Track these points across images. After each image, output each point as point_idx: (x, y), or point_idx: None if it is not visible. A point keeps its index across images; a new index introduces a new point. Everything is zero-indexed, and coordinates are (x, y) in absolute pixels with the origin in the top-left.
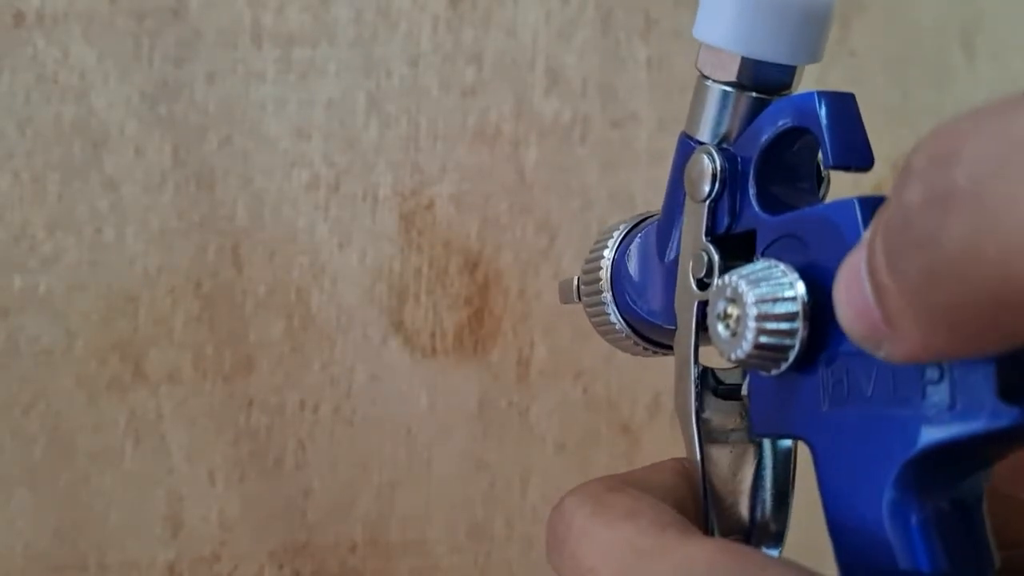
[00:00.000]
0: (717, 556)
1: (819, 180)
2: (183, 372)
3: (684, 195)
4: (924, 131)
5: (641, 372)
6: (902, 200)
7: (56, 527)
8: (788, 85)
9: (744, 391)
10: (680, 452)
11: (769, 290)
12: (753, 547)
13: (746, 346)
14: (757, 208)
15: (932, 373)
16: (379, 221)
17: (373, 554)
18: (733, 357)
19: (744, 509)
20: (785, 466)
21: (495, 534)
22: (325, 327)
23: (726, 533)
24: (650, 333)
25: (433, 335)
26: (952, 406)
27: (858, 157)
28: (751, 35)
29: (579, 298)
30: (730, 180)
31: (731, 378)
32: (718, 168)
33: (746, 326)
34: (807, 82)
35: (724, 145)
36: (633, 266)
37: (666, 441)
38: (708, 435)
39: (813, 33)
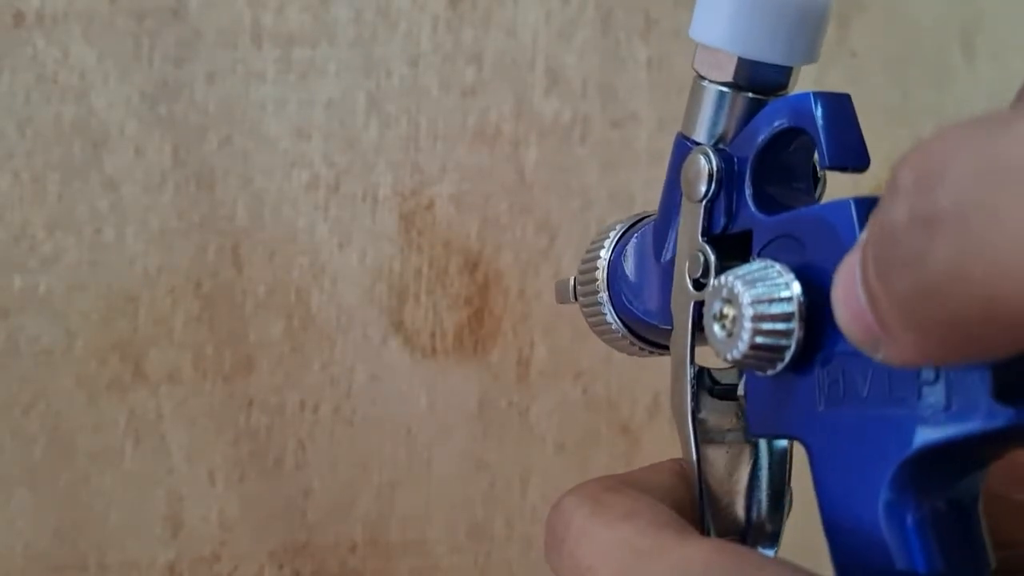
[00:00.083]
0: (713, 556)
1: (815, 180)
2: (183, 372)
3: (680, 195)
4: (924, 131)
5: (641, 372)
6: (889, 216)
7: (56, 527)
8: (784, 85)
9: (740, 391)
10: (679, 453)
11: (765, 290)
12: (749, 547)
13: (742, 346)
14: (753, 208)
15: (928, 374)
16: (379, 221)
17: (373, 554)
18: (729, 357)
19: (740, 509)
20: (781, 466)
21: (495, 534)
22: (325, 327)
23: (722, 533)
24: (646, 333)
25: (433, 335)
26: (948, 407)
27: (854, 157)
28: (747, 35)
29: (575, 298)
30: (726, 180)
31: (727, 378)
32: (714, 168)
33: (742, 326)
34: (807, 81)
35: (720, 145)
36: (629, 266)
37: (666, 441)
38: (704, 435)
39: (809, 33)
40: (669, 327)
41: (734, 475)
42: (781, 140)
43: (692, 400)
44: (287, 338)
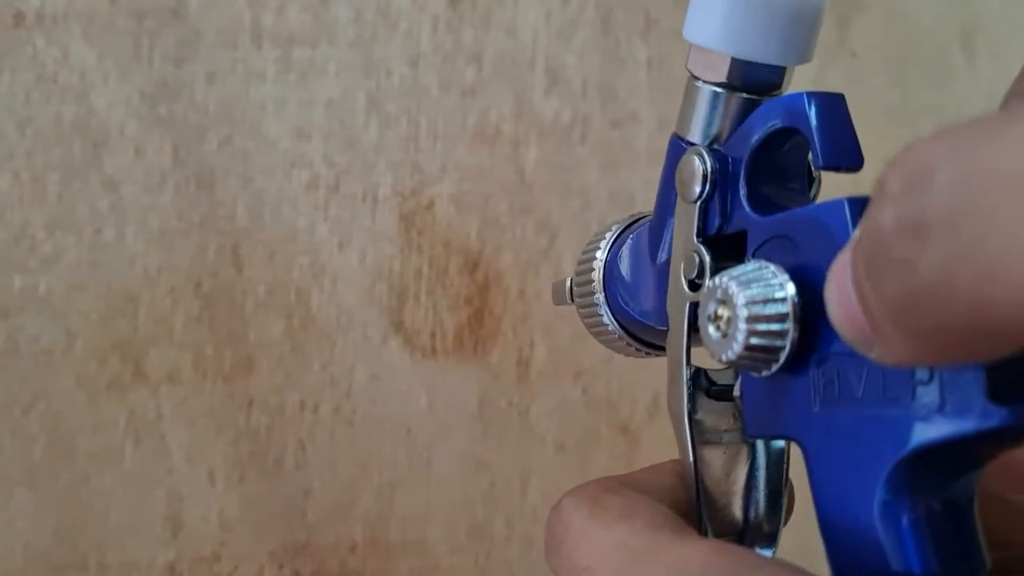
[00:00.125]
0: (711, 557)
1: (810, 180)
2: (183, 372)
3: (675, 196)
4: (924, 131)
5: (641, 373)
6: (878, 221)
7: (56, 527)
8: (778, 85)
9: (736, 392)
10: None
11: (760, 291)
12: (747, 548)
13: (737, 347)
14: (748, 209)
15: (922, 374)
16: (379, 221)
17: (373, 554)
18: (724, 358)
19: (737, 510)
20: (778, 467)
21: (495, 534)
22: (325, 327)
23: (719, 534)
24: (643, 334)
25: (433, 335)
26: (942, 407)
27: (848, 157)
28: (741, 36)
29: (572, 299)
30: (721, 181)
31: (724, 379)
32: (709, 169)
33: (737, 327)
34: (807, 82)
35: (715, 146)
36: (625, 267)
37: (666, 442)
38: (701, 436)
39: (803, 33)
40: (665, 328)
41: (731, 476)
42: (775, 140)
43: (688, 401)
44: (287, 338)
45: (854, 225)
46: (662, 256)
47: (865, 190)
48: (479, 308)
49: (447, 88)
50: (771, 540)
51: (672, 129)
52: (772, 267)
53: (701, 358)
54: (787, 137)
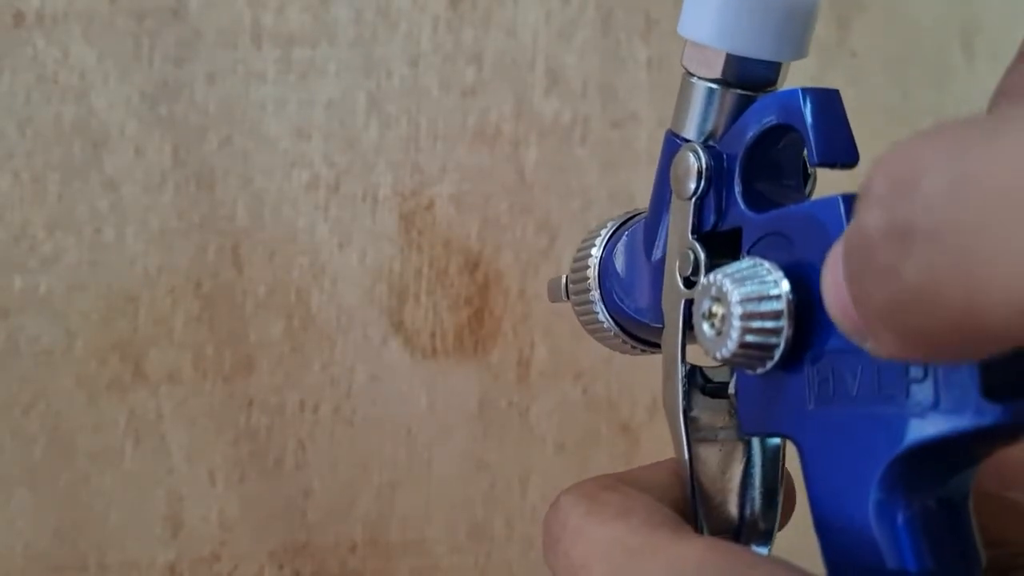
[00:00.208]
0: (707, 555)
1: (805, 177)
2: (183, 372)
3: (670, 193)
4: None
5: (641, 373)
6: (864, 224)
7: (56, 527)
8: (773, 82)
9: (731, 389)
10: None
11: (754, 289)
12: (743, 546)
13: (731, 345)
14: (743, 206)
15: (916, 372)
16: (379, 221)
17: (373, 554)
18: (718, 356)
19: (733, 507)
20: (774, 464)
21: (495, 534)
22: (325, 327)
23: (715, 531)
24: (638, 331)
25: (433, 335)
26: (936, 404)
27: (843, 154)
28: (736, 32)
29: (567, 297)
30: (716, 177)
31: (719, 376)
32: (704, 166)
33: (731, 325)
34: (808, 81)
35: (710, 142)
36: (620, 264)
37: (666, 442)
38: (697, 433)
39: (798, 29)
40: (660, 325)
41: (727, 473)
42: (770, 137)
43: (684, 398)
44: (287, 338)
45: (848, 222)
46: (657, 253)
47: None
48: (479, 308)
49: (447, 88)
50: (767, 538)
51: None
52: (767, 264)
53: (696, 355)
54: (782, 133)
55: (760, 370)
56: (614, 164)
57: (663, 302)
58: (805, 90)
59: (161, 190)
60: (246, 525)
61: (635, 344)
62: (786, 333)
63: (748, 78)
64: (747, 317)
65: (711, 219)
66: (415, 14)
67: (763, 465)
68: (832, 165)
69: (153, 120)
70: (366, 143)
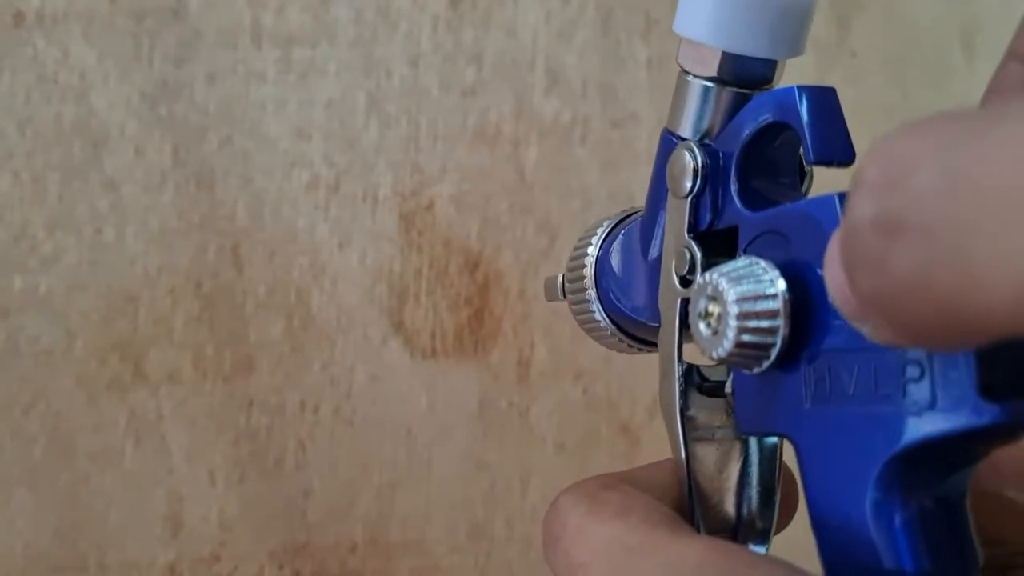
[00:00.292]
0: (706, 554)
1: (801, 175)
2: (183, 372)
3: (666, 191)
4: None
5: (641, 373)
6: (854, 214)
7: (56, 527)
8: (769, 80)
9: (728, 388)
10: None
11: (750, 288)
12: (741, 545)
13: (727, 344)
14: (739, 204)
15: (913, 371)
16: (379, 221)
17: (373, 554)
18: (715, 355)
19: (730, 506)
20: (771, 463)
21: (495, 534)
22: (325, 327)
23: (712, 530)
24: (635, 330)
25: (433, 335)
26: (933, 404)
27: (839, 152)
28: (731, 30)
29: (564, 295)
30: (712, 176)
31: (716, 375)
32: (699, 164)
33: (727, 324)
34: (808, 82)
35: (706, 141)
36: (617, 263)
37: (666, 442)
38: (694, 432)
39: (793, 27)
40: (657, 324)
41: (724, 472)
42: (766, 135)
43: (680, 397)
44: (287, 338)
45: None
46: (653, 252)
47: None
48: (479, 308)
49: (447, 88)
50: (764, 537)
51: None
52: (763, 263)
53: (694, 354)
54: (778, 131)
55: (757, 369)
56: (614, 164)
57: (659, 301)
58: (801, 88)
59: (161, 190)
60: (246, 525)
61: (632, 343)
62: (782, 332)
63: (744, 76)
64: (743, 316)
65: (707, 218)
66: (415, 14)
67: (760, 464)
68: (828, 163)
69: (153, 120)
70: (366, 143)
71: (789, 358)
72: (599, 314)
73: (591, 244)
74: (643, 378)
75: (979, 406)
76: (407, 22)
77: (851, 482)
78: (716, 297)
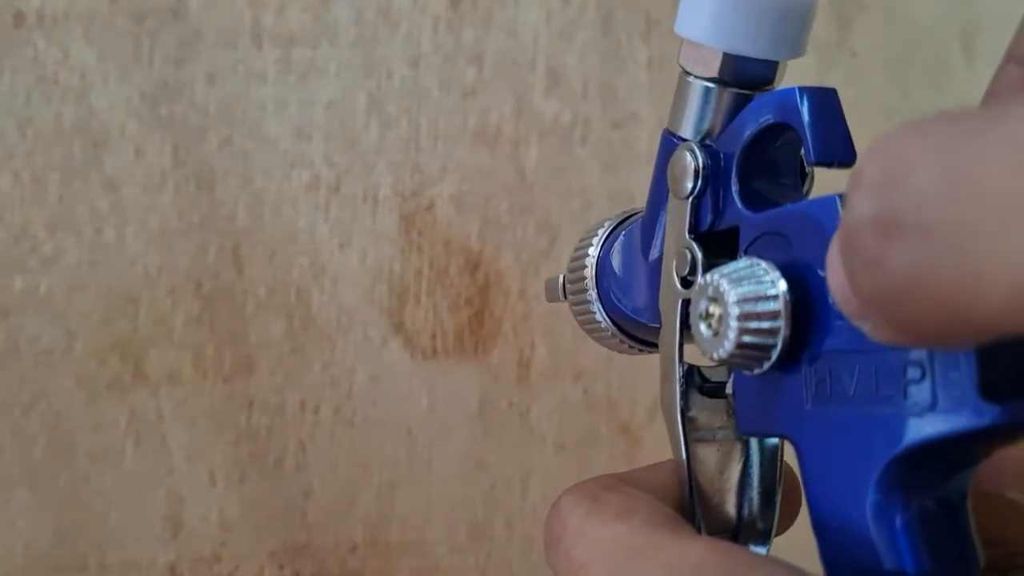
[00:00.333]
0: (707, 555)
1: (802, 176)
2: (183, 372)
3: (667, 192)
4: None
5: (641, 373)
6: (853, 213)
7: (56, 527)
8: (770, 80)
9: (729, 389)
10: None
11: (751, 289)
12: (742, 546)
13: (728, 345)
14: (740, 205)
15: (914, 372)
16: (379, 222)
17: (373, 554)
18: (715, 356)
19: (731, 507)
20: (772, 464)
21: (495, 535)
22: (325, 328)
23: (713, 531)
24: (636, 331)
25: (434, 336)
26: (934, 405)
27: (840, 152)
28: (732, 31)
29: (565, 296)
30: (713, 177)
31: (717, 376)
32: (700, 165)
33: (728, 325)
34: (809, 82)
35: (707, 141)
36: (618, 264)
37: (666, 442)
38: (694, 433)
39: (794, 28)
40: (658, 325)
41: (725, 473)
42: (767, 136)
43: (681, 398)
44: (287, 339)
45: None
46: (654, 253)
47: None
48: (479, 309)
49: (448, 88)
50: (765, 538)
51: None
52: (764, 264)
53: (694, 355)
54: (779, 132)
55: (757, 370)
56: (614, 164)
57: (660, 302)
58: (802, 89)
59: (161, 190)
60: (246, 525)
61: (633, 344)
62: (783, 333)
63: (745, 77)
64: (744, 317)
65: (708, 218)
66: (416, 14)
67: (761, 465)
68: (829, 164)
69: (153, 120)
70: (366, 143)
71: (790, 359)
72: (600, 315)
73: (592, 245)
74: (643, 378)
75: (980, 407)
76: (408, 22)
77: (852, 483)
78: (717, 298)
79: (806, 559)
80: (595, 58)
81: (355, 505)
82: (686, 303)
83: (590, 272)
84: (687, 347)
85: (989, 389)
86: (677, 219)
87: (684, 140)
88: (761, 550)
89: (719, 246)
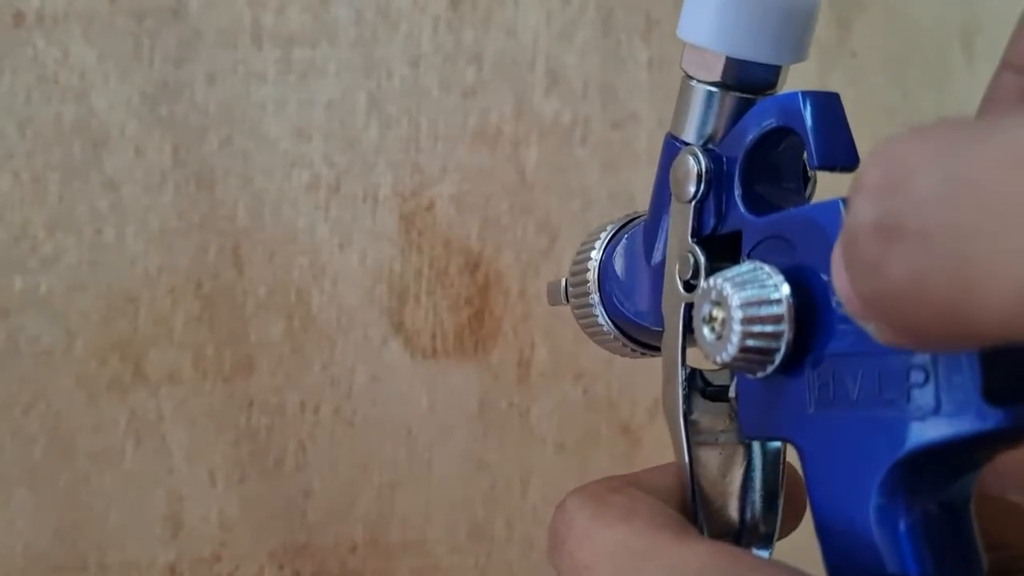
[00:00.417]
0: (710, 558)
1: (805, 180)
2: (183, 372)
3: (670, 196)
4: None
5: (642, 373)
6: (854, 218)
7: (56, 527)
8: (773, 85)
9: (732, 393)
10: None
11: (755, 293)
12: (745, 549)
13: (731, 349)
14: (743, 209)
15: (917, 376)
16: (379, 222)
17: (373, 554)
18: (719, 360)
19: (734, 511)
20: (774, 467)
21: (495, 535)
22: (325, 328)
23: (716, 535)
24: (638, 335)
25: (434, 336)
26: (938, 409)
27: (843, 157)
28: (735, 35)
29: (567, 300)
30: (715, 181)
31: (719, 379)
32: (703, 169)
33: (731, 329)
34: (809, 82)
35: (709, 145)
36: (620, 267)
37: (667, 442)
38: (697, 437)
39: (797, 32)
40: (660, 328)
41: (727, 476)
42: (770, 140)
43: (684, 402)
44: (287, 339)
45: None
46: (657, 256)
47: None
48: (479, 309)
49: (448, 88)
50: (767, 541)
51: None
52: (767, 268)
53: (697, 358)
54: (782, 136)
55: (760, 374)
56: (614, 164)
57: (663, 306)
58: (805, 93)
59: (161, 190)
60: (246, 525)
61: (635, 347)
62: (787, 337)
63: (748, 81)
64: (748, 321)
65: (711, 222)
66: (415, 14)
67: (764, 468)
68: (832, 168)
69: (153, 120)
70: (366, 143)
71: (793, 363)
72: (602, 318)
73: (594, 248)
74: (643, 378)
75: (983, 411)
76: (407, 22)
77: (855, 487)
78: (720, 302)
79: (809, 562)
80: (595, 58)
81: (355, 505)
82: (689, 307)
83: (592, 276)
84: (689, 350)
85: (993, 393)
86: (680, 223)
87: (687, 144)
88: (764, 553)
89: (722, 250)
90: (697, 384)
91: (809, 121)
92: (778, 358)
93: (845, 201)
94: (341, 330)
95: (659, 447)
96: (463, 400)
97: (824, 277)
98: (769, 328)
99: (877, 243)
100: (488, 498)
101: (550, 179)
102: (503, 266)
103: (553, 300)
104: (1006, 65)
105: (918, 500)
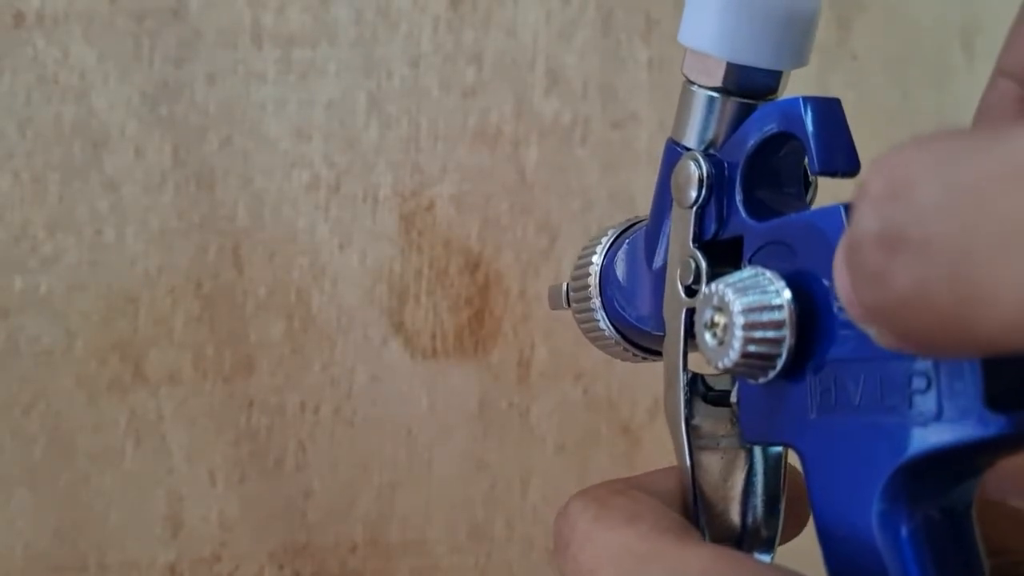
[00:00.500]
0: (712, 562)
1: (806, 185)
2: (183, 372)
3: (671, 201)
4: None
5: (641, 374)
6: (858, 227)
7: (56, 527)
8: (774, 90)
9: (733, 398)
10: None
11: (756, 299)
12: (746, 553)
13: (733, 355)
14: (744, 214)
15: (919, 382)
16: (379, 222)
17: (373, 555)
18: (720, 366)
19: (735, 515)
20: (776, 472)
21: (495, 535)
22: (325, 328)
23: (717, 539)
24: (639, 339)
25: (434, 336)
26: (939, 415)
27: (844, 162)
28: (736, 40)
29: (568, 304)
30: (717, 186)
31: (721, 384)
32: (704, 174)
33: (733, 335)
34: (809, 82)
35: (711, 151)
36: (622, 272)
37: (667, 443)
38: (698, 441)
39: (798, 37)
40: (662, 333)
41: (729, 481)
42: (771, 145)
43: (685, 406)
44: (287, 339)
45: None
46: (658, 261)
47: None
48: (479, 309)
49: (448, 88)
50: (769, 545)
51: None
52: (768, 274)
53: (698, 363)
54: (783, 142)
55: (762, 379)
56: (614, 164)
57: (664, 311)
58: (806, 99)
59: (161, 190)
60: (246, 525)
61: (636, 352)
62: (788, 343)
63: (749, 86)
64: (749, 327)
65: (712, 228)
66: (415, 14)
67: (765, 473)
68: (833, 174)
69: (153, 120)
70: (366, 143)
71: (795, 368)
72: (603, 323)
73: (596, 253)
74: (643, 379)
75: (985, 417)
76: (407, 22)
77: (857, 492)
78: (722, 307)
79: (811, 567)
80: (595, 58)
81: (355, 505)
82: (690, 312)
83: (594, 280)
84: (691, 355)
85: (995, 399)
86: (681, 228)
87: (688, 149)
88: (765, 558)
89: (723, 255)
90: (698, 389)
91: (810, 126)
92: (780, 364)
93: (846, 207)
94: (341, 330)
95: (659, 447)
96: (463, 400)
97: (826, 282)
98: (771, 334)
99: (880, 253)
100: (488, 498)
101: (550, 179)
102: (503, 266)
103: (554, 304)
104: (1000, 72)
105: (920, 506)
